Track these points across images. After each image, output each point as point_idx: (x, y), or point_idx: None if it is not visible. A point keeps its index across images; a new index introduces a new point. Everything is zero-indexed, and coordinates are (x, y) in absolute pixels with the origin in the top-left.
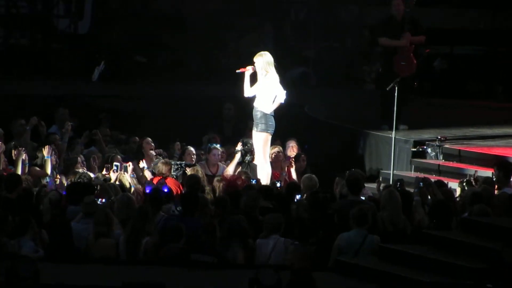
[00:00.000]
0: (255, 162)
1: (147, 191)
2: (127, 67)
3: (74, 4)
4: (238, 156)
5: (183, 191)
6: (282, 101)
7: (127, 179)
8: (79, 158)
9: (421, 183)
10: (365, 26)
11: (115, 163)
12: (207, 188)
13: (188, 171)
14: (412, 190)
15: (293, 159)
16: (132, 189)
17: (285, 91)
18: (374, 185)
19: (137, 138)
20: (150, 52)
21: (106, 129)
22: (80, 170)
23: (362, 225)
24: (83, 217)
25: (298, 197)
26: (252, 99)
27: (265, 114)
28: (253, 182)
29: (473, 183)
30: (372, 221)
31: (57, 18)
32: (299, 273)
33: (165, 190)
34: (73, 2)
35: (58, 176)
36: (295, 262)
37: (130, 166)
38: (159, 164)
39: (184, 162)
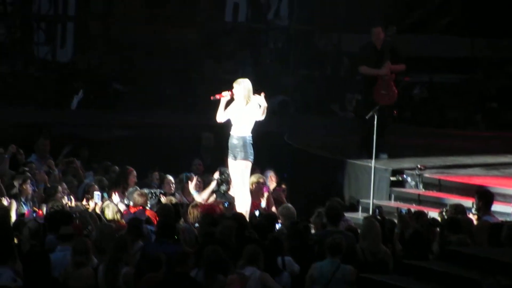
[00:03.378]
0: (231, 191)
1: (125, 222)
2: (106, 95)
3: (56, 32)
4: (213, 184)
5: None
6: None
7: (113, 208)
8: (59, 187)
9: (403, 211)
10: (345, 54)
11: (96, 192)
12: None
13: (163, 200)
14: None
15: (271, 189)
16: (118, 216)
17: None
18: (354, 215)
19: (116, 167)
20: (128, 80)
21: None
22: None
23: (335, 254)
24: (60, 245)
25: (278, 226)
26: (228, 127)
27: (245, 143)
28: (226, 204)
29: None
30: (351, 251)
31: (36, 46)
32: None
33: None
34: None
35: (35, 207)
36: None
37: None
38: (135, 196)
39: (159, 190)
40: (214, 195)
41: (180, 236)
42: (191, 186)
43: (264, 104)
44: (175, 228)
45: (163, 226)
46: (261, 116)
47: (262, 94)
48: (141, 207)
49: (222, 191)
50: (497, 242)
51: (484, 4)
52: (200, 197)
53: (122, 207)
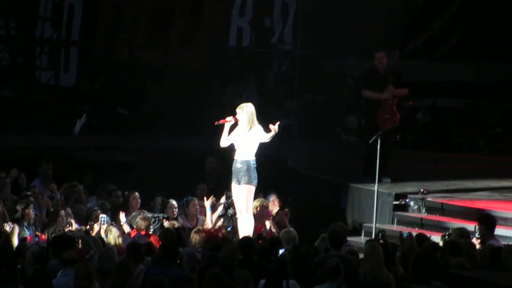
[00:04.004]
0: (238, 215)
1: (125, 245)
2: (110, 119)
3: (60, 56)
4: (220, 209)
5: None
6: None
7: (115, 233)
8: (62, 211)
9: (405, 234)
10: (349, 78)
11: (101, 215)
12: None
13: (166, 224)
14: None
15: (274, 213)
16: (120, 240)
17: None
18: (357, 239)
19: (119, 191)
20: (132, 104)
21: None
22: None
23: (335, 278)
24: (63, 269)
25: (281, 251)
26: (232, 151)
27: (249, 167)
28: (229, 229)
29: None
30: (354, 275)
31: (39, 70)
32: None
33: (143, 243)
34: (57, 54)
35: (37, 232)
36: None
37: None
38: (138, 220)
39: (162, 214)
40: (222, 219)
41: (183, 261)
42: (207, 204)
43: (274, 133)
44: (178, 252)
45: (166, 250)
46: (267, 139)
47: (277, 124)
48: (142, 231)
49: (230, 215)
50: (498, 265)
51: (487, 29)
52: (208, 221)
53: (127, 229)
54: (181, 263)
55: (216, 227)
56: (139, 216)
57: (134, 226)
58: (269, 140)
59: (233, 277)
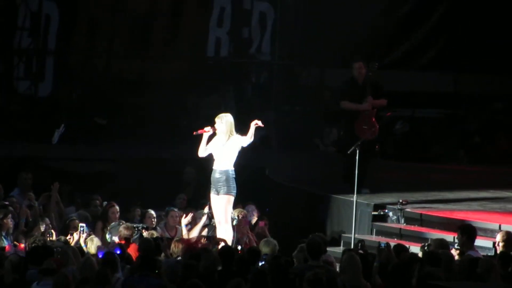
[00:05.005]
0: (217, 225)
1: (100, 256)
2: (88, 129)
3: (35, 66)
4: (204, 219)
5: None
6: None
7: (96, 242)
8: (41, 221)
9: (382, 245)
10: (327, 89)
11: (80, 224)
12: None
13: (145, 234)
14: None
15: (253, 223)
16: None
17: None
18: (336, 249)
19: (97, 201)
20: (110, 114)
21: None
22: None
23: None
24: (41, 279)
25: (261, 263)
26: (210, 161)
27: (228, 177)
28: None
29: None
30: (332, 285)
31: (17, 80)
32: None
33: (118, 252)
34: (34, 63)
35: (16, 241)
36: None
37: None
38: (121, 229)
39: (141, 224)
40: (206, 229)
41: (161, 270)
42: (183, 221)
43: (252, 130)
44: (156, 262)
45: (144, 259)
46: (249, 139)
47: (258, 124)
48: (121, 241)
49: (214, 225)
50: (476, 276)
51: (466, 40)
52: (192, 232)
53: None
54: (159, 273)
55: (202, 237)
56: (123, 226)
57: (113, 237)
58: (251, 138)
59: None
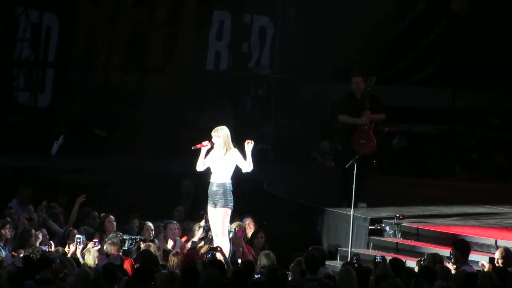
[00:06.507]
0: (214, 238)
1: (100, 266)
2: (87, 141)
3: (35, 77)
4: (200, 232)
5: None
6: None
7: (94, 254)
8: (33, 231)
9: (378, 258)
10: (325, 103)
11: (77, 235)
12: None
13: (142, 246)
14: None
15: (249, 236)
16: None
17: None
18: (332, 262)
19: (96, 213)
20: (109, 126)
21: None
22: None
23: None
24: None
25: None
26: (208, 174)
27: (225, 190)
28: (209, 256)
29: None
30: None
31: (17, 91)
32: None
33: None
34: (34, 75)
35: (14, 252)
36: None
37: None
38: (106, 246)
39: (139, 236)
40: (203, 242)
41: (156, 282)
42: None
43: (249, 154)
44: (152, 274)
45: (140, 271)
46: (248, 168)
47: (251, 143)
48: (116, 253)
49: (210, 237)
50: None
51: (464, 56)
52: (188, 245)
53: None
54: (155, 284)
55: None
56: (108, 242)
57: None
58: (251, 167)
59: None
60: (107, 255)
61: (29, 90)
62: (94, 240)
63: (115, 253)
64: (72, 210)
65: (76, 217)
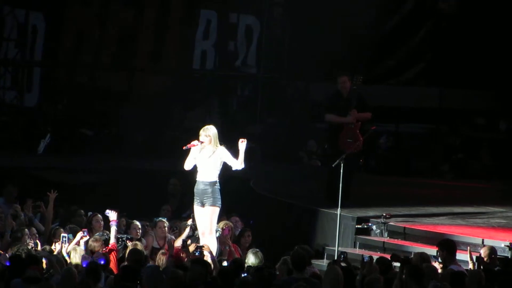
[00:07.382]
0: (200, 236)
1: (84, 265)
2: (73, 140)
3: (22, 77)
4: (187, 230)
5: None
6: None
7: (80, 252)
8: (26, 230)
9: (366, 258)
10: (311, 102)
11: (62, 234)
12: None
13: (129, 245)
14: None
15: (236, 235)
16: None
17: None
18: (319, 262)
19: (82, 211)
20: (96, 125)
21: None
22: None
23: None
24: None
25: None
26: (194, 173)
27: (213, 189)
28: (196, 254)
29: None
30: None
31: (3, 90)
32: None
33: (102, 262)
34: (20, 74)
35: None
36: None
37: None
38: (90, 243)
39: (126, 235)
40: (190, 241)
41: (143, 282)
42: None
43: (242, 152)
44: (138, 273)
45: (126, 270)
46: (239, 165)
47: (244, 142)
48: (99, 250)
49: (197, 236)
50: None
51: (451, 56)
52: (176, 243)
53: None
54: (141, 284)
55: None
56: (91, 239)
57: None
58: (243, 164)
59: None
60: (92, 252)
61: (15, 89)
62: (82, 230)
63: (98, 250)
64: (47, 208)
65: (52, 214)
